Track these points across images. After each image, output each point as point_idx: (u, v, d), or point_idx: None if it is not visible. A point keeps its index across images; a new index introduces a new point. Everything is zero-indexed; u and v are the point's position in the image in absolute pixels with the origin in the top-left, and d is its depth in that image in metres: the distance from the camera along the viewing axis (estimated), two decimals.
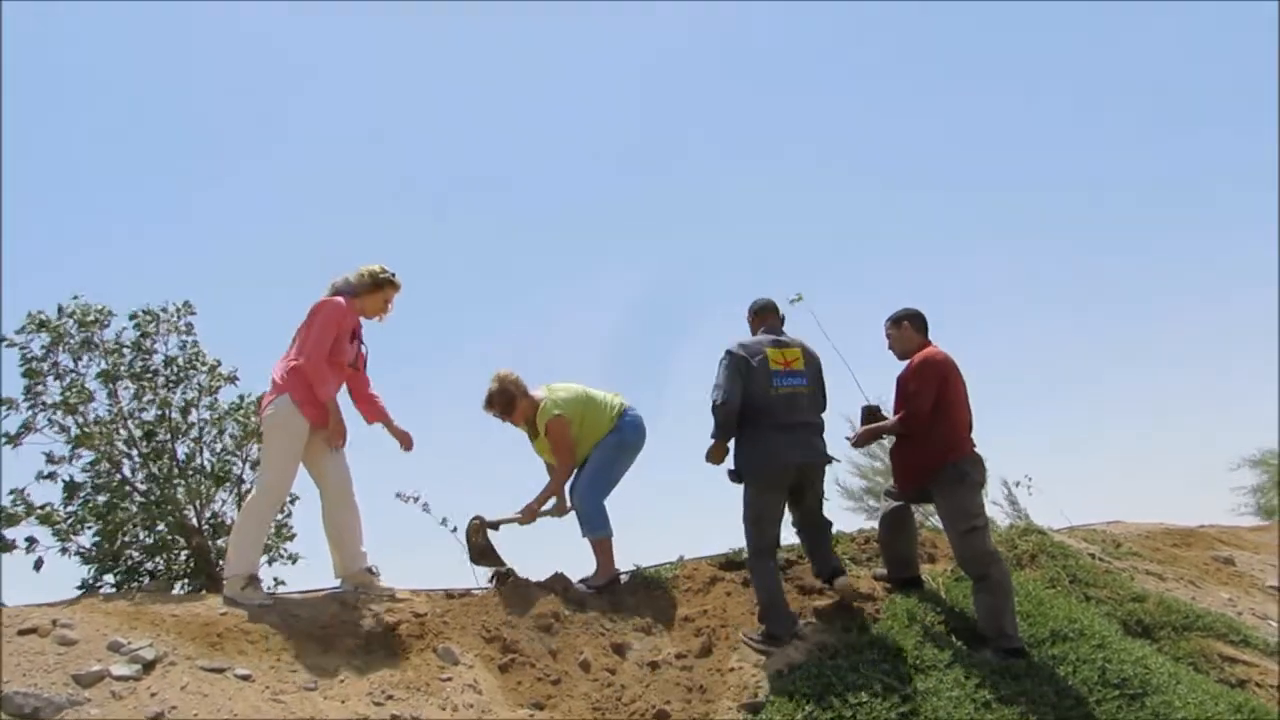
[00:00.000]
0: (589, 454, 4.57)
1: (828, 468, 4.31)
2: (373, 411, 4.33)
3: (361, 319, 4.22)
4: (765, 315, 4.38)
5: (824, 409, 4.35)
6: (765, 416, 4.06)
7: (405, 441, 4.35)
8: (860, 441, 4.50)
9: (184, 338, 5.05)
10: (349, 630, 3.62)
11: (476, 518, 4.45)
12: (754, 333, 4.35)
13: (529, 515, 4.55)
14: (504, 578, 4.32)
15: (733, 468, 4.21)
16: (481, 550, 4.40)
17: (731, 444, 4.20)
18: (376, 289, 4.18)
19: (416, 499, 4.59)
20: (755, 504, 4.13)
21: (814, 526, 4.35)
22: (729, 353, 4.13)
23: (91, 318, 4.72)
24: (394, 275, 4.25)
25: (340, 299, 4.10)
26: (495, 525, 4.49)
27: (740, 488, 4.21)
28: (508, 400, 4.51)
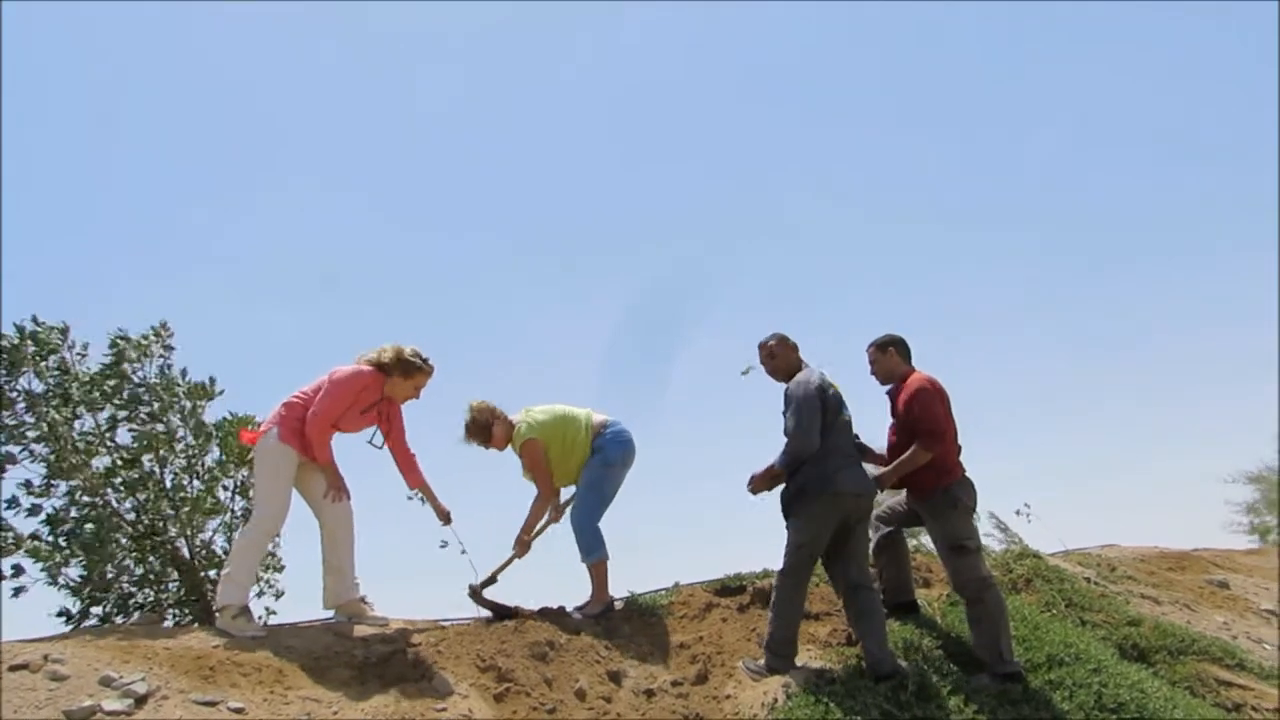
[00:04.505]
0: (579, 477, 4.57)
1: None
2: (414, 480, 4.39)
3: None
4: (797, 349, 4.32)
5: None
6: (829, 443, 4.00)
7: (443, 516, 4.41)
8: (887, 482, 4.26)
9: (163, 360, 4.89)
10: (343, 661, 3.59)
11: (469, 587, 4.44)
12: (792, 364, 4.26)
13: (522, 548, 4.56)
14: (512, 616, 4.34)
15: (783, 497, 4.10)
16: (488, 609, 4.41)
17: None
18: (405, 376, 4.18)
19: (459, 545, 4.47)
20: (804, 528, 3.98)
21: (856, 589, 3.98)
22: (817, 388, 4.04)
23: (53, 343, 4.44)
24: (425, 361, 4.21)
25: (365, 369, 4.13)
26: (493, 579, 4.50)
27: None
28: (482, 429, 4.56)
